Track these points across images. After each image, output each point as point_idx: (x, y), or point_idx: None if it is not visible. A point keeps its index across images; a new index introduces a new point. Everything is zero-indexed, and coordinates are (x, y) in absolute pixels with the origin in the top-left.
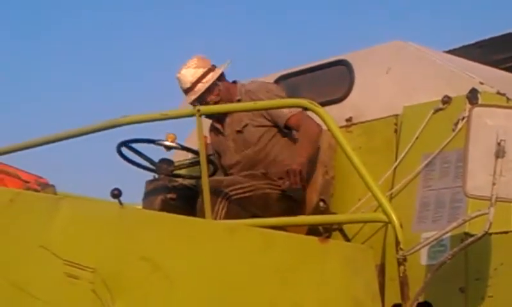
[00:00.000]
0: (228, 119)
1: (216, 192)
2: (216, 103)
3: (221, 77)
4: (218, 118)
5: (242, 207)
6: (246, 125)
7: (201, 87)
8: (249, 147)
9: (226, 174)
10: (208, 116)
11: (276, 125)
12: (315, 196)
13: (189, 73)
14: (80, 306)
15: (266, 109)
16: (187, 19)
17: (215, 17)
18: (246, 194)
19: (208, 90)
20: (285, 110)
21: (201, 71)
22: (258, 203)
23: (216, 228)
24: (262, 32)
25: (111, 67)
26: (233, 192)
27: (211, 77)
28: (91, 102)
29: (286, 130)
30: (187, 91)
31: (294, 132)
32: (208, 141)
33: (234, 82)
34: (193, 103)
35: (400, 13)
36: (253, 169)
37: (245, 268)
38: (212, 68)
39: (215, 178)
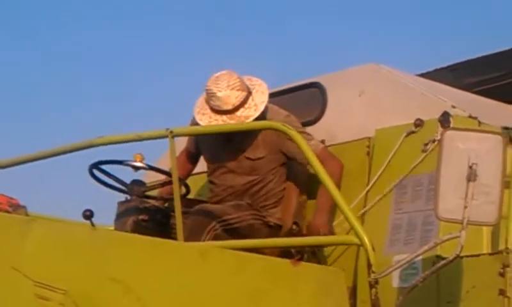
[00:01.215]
0: (239, 137)
1: (203, 222)
2: None
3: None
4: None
5: (228, 238)
6: (261, 158)
7: (241, 116)
8: (254, 175)
9: (210, 171)
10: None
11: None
12: (289, 219)
13: (233, 95)
14: None
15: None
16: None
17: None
18: (233, 226)
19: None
20: (312, 144)
21: (243, 95)
22: (243, 233)
23: (188, 250)
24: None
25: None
26: (221, 224)
27: (253, 111)
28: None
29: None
30: (225, 112)
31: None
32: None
33: None
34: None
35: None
36: (243, 195)
37: (217, 290)
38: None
39: (203, 205)
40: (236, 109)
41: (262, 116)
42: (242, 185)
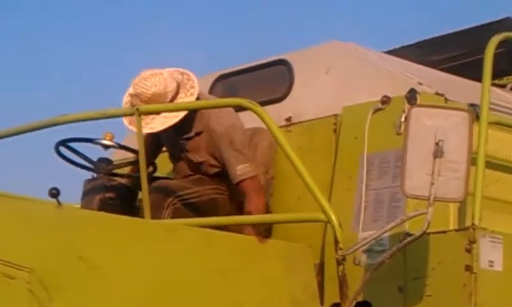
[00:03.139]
0: (184, 136)
1: (161, 197)
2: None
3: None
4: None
5: (189, 213)
6: (202, 162)
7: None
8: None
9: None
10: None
11: None
12: None
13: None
14: (16, 306)
15: (206, 108)
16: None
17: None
18: (193, 200)
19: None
20: (238, 170)
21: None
22: (204, 208)
23: (155, 227)
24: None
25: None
26: (179, 199)
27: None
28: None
29: None
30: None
31: None
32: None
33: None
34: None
35: (341, 13)
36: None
37: (184, 267)
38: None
39: (161, 181)
40: (171, 101)
41: (206, 122)
42: (198, 167)
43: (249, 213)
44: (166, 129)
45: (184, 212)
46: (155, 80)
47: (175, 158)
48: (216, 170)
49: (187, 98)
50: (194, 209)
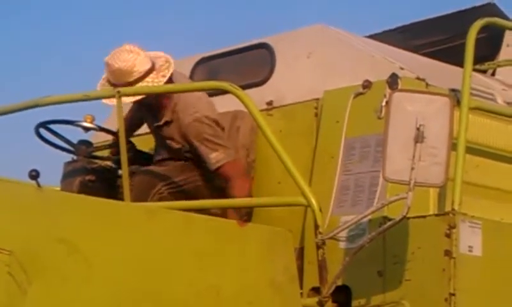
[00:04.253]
0: (161, 122)
1: (148, 184)
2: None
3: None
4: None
5: (175, 200)
6: (178, 148)
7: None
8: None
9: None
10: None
11: None
12: None
13: (133, 67)
14: None
15: (186, 91)
16: None
17: None
18: (179, 189)
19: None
20: (212, 158)
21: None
22: (190, 196)
23: (135, 210)
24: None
25: None
26: (166, 187)
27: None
28: None
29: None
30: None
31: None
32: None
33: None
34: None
35: None
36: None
37: (164, 250)
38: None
39: (149, 167)
40: (136, 81)
41: (175, 111)
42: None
43: (233, 197)
44: (134, 102)
45: (169, 200)
46: (127, 56)
47: (155, 136)
48: (191, 155)
49: (155, 82)
50: (180, 196)
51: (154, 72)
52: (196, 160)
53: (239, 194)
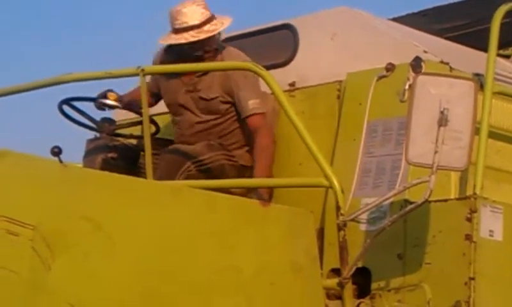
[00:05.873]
0: (195, 78)
1: (177, 162)
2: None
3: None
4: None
5: (201, 179)
6: (214, 98)
7: (209, 30)
8: (210, 115)
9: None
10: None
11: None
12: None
13: (199, 11)
14: (19, 262)
15: (211, 70)
16: None
17: None
18: (205, 166)
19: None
20: (250, 104)
21: (209, 14)
22: (215, 174)
23: (159, 188)
24: None
25: None
26: (195, 164)
27: (220, 25)
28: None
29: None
30: (191, 27)
31: None
32: None
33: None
34: (189, 44)
35: None
36: (207, 135)
37: (186, 229)
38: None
39: (176, 146)
40: (203, 24)
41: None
42: (202, 123)
43: (261, 146)
44: (190, 43)
45: (197, 178)
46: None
47: (177, 111)
48: (226, 106)
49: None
50: (206, 175)
51: (215, 19)
52: (228, 112)
53: (266, 145)
